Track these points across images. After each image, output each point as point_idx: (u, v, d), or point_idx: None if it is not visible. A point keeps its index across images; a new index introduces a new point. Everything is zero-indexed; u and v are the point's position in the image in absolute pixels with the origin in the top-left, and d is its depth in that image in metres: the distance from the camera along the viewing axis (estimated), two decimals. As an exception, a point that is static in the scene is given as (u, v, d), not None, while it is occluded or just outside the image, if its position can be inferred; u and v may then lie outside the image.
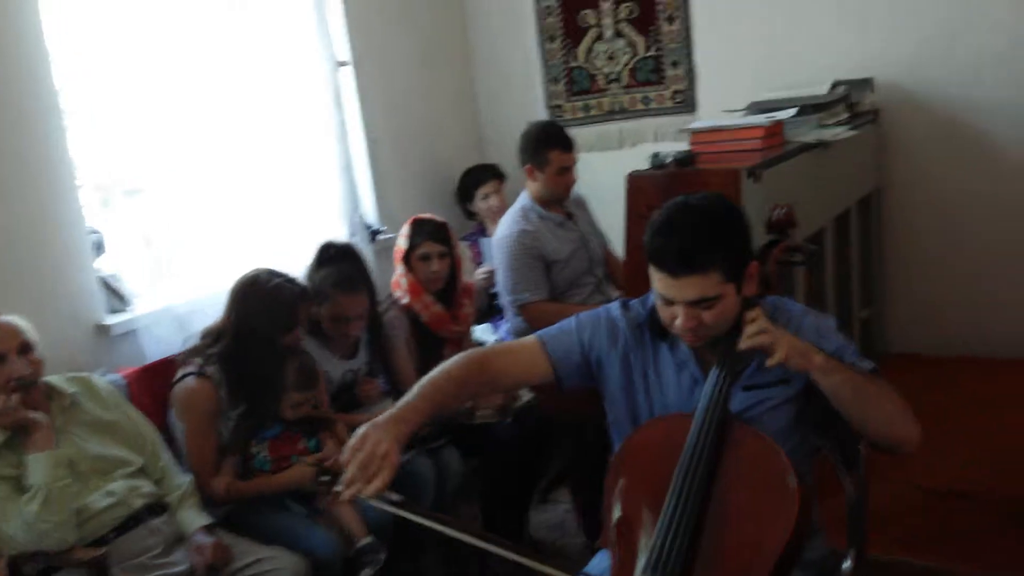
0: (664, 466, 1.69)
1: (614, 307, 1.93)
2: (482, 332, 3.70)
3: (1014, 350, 3.34)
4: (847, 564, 1.97)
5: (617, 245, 3.58)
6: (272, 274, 2.63)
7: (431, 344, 3.13)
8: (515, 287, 3.24)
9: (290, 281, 2.63)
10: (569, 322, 1.93)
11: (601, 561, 1.87)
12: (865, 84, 3.34)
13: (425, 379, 1.76)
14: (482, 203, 4.00)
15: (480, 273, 3.73)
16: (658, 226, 1.67)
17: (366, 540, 2.43)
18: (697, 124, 2.77)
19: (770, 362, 1.64)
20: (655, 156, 2.50)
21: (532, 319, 3.25)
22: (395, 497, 1.58)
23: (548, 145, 3.24)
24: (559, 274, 3.27)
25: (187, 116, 3.10)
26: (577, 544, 3.25)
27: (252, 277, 2.62)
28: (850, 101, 3.17)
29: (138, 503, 2.27)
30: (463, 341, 3.23)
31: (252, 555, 2.29)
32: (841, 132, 2.90)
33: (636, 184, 2.38)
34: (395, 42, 4.00)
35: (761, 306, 1.80)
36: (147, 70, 2.96)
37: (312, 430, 2.57)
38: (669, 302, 1.69)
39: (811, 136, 2.78)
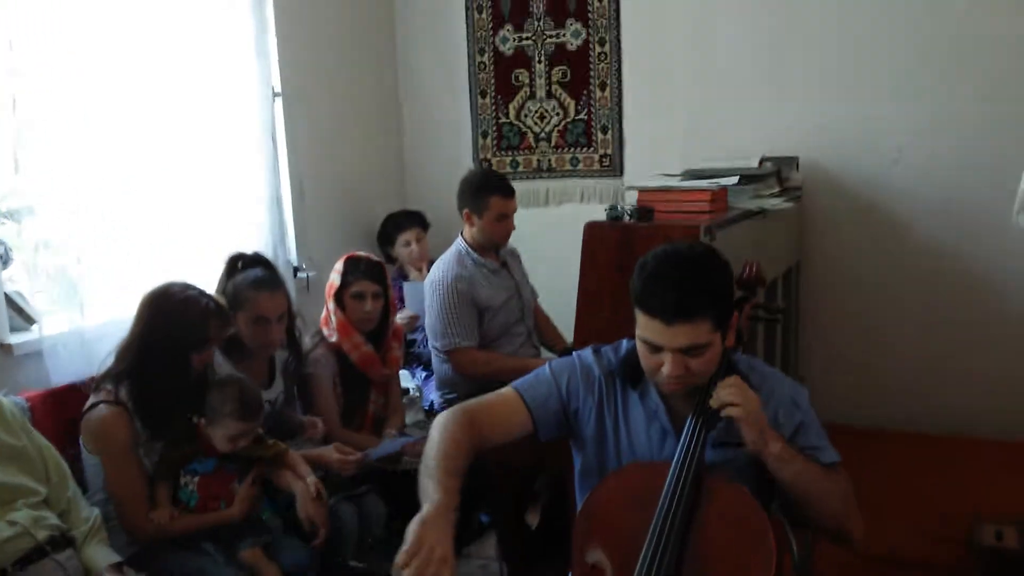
0: (640, 514, 1.67)
1: (586, 354, 1.91)
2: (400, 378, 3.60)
3: (922, 426, 3.50)
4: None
5: (548, 299, 3.60)
6: (185, 286, 2.43)
7: (358, 385, 3.02)
8: (445, 331, 3.19)
9: (204, 295, 2.44)
10: (543, 371, 1.90)
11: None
12: (791, 161, 3.49)
13: (436, 453, 1.69)
14: (403, 249, 3.95)
15: (401, 318, 3.64)
16: (650, 272, 1.67)
17: None
18: (644, 183, 2.81)
19: (737, 414, 1.65)
20: (612, 208, 2.52)
21: (459, 365, 3.21)
22: None
23: (489, 191, 3.23)
24: (491, 321, 3.24)
25: (114, 134, 2.93)
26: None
27: (162, 288, 2.41)
28: (781, 176, 3.30)
29: (42, 535, 2.04)
30: (390, 384, 3.14)
31: (163, 598, 2.12)
32: (779, 203, 3.00)
33: (594, 233, 2.39)
34: (326, 78, 3.95)
35: (737, 363, 1.82)
36: (83, 86, 2.79)
37: (246, 468, 2.39)
38: (656, 349, 1.68)
39: (753, 204, 2.87)
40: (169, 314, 2.36)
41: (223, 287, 2.73)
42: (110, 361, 2.44)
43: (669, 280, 1.64)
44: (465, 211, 3.28)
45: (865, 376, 3.66)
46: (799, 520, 1.98)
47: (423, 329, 3.76)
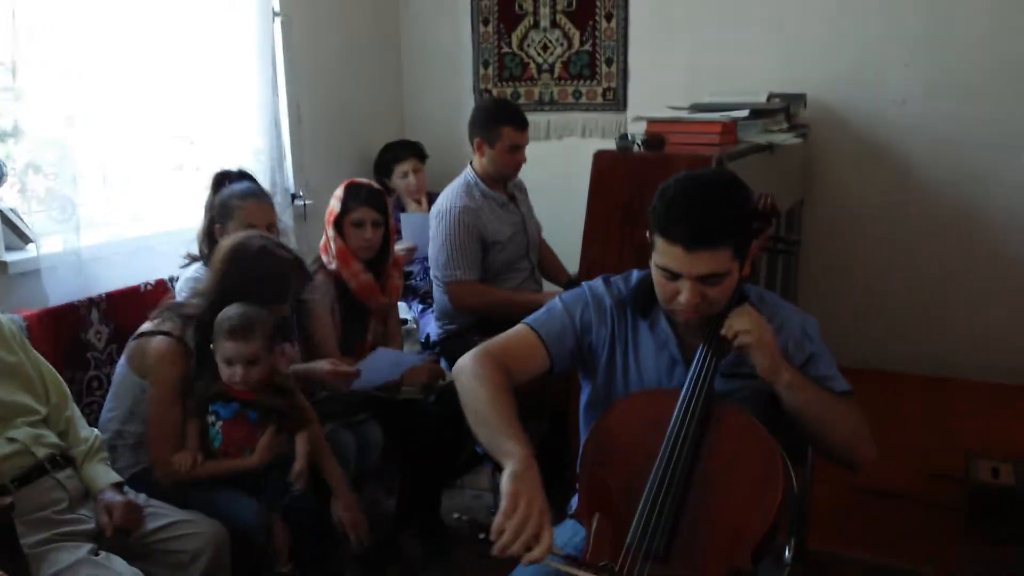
0: (648, 439, 1.66)
1: (596, 284, 1.89)
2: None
3: (917, 367, 3.52)
4: (788, 554, 2.00)
5: (546, 233, 3.58)
6: (262, 238, 2.41)
7: (356, 314, 2.99)
8: (448, 263, 3.16)
9: (281, 247, 2.42)
10: (555, 305, 1.87)
11: (570, 531, 1.82)
12: (799, 98, 3.44)
13: (487, 405, 1.64)
14: (400, 180, 3.89)
15: (400, 248, 3.60)
16: (673, 198, 1.63)
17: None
18: (653, 115, 2.76)
19: (747, 342, 1.64)
20: (623, 137, 2.47)
21: (456, 297, 3.19)
22: (559, 553, 1.49)
23: (502, 121, 3.17)
24: (496, 256, 3.21)
25: (111, 53, 2.86)
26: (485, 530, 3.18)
27: (241, 241, 2.37)
28: (789, 112, 3.25)
29: (42, 453, 2.04)
30: (389, 314, 3.11)
31: (165, 518, 2.11)
32: (788, 138, 2.96)
33: (603, 163, 2.35)
34: (327, 2, 3.84)
35: (748, 294, 1.81)
36: (81, 3, 2.71)
37: (267, 419, 2.29)
38: (674, 276, 1.65)
39: (762, 138, 2.82)
40: (247, 268, 2.32)
41: (211, 203, 2.71)
42: (183, 296, 2.46)
43: (693, 206, 1.60)
44: (477, 140, 3.21)
45: (863, 316, 3.67)
46: (800, 455, 2.00)
47: (419, 261, 3.73)
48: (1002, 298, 3.49)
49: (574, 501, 1.86)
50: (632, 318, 1.83)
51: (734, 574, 1.53)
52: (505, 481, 1.48)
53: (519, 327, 1.84)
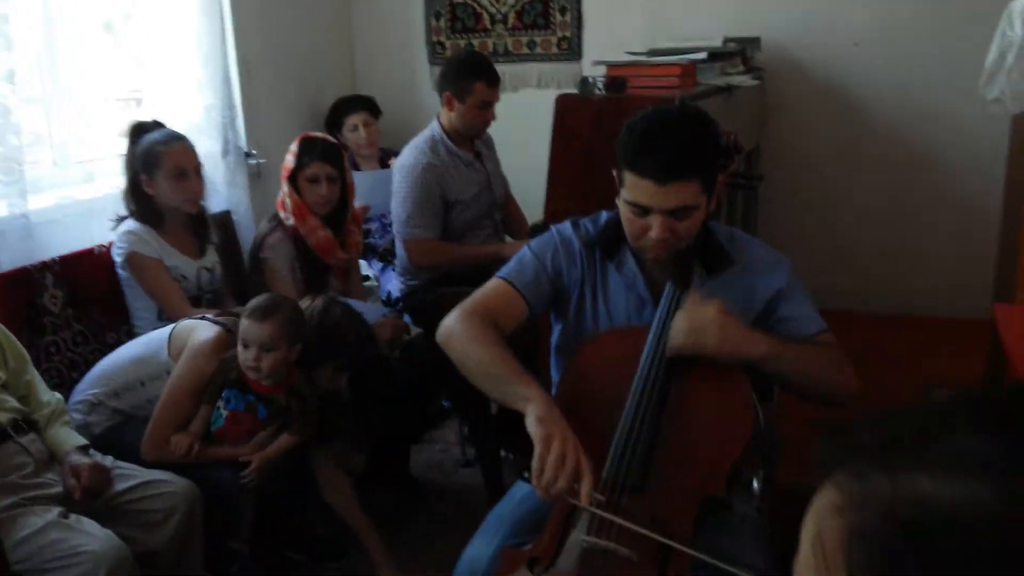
0: (620, 376, 1.67)
1: (564, 227, 1.88)
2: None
3: (877, 306, 3.59)
4: (756, 485, 2.04)
5: (512, 186, 3.55)
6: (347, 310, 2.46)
7: (316, 271, 2.95)
8: (408, 220, 3.11)
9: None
10: (525, 254, 1.86)
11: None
12: (754, 42, 3.45)
13: (493, 360, 1.64)
14: (351, 133, 3.81)
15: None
16: (642, 132, 1.62)
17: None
18: (612, 59, 2.74)
19: (701, 351, 1.60)
20: (584, 81, 2.45)
21: (413, 254, 3.15)
22: (600, 497, 1.49)
23: (474, 75, 3.09)
24: (460, 215, 3.16)
25: (53, 13, 2.75)
26: (456, 483, 3.20)
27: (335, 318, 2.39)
28: (745, 55, 3.26)
29: (4, 418, 2.00)
30: (351, 270, 3.08)
31: (135, 479, 2.08)
32: (746, 80, 2.97)
33: (566, 107, 2.33)
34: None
35: (716, 232, 1.81)
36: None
37: (277, 417, 2.29)
38: (644, 212, 1.64)
39: (720, 80, 2.83)
40: (331, 337, 2.36)
41: (132, 156, 2.66)
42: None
43: (663, 139, 1.59)
44: (446, 94, 3.12)
45: (821, 257, 3.71)
46: (767, 390, 2.03)
47: (376, 219, 3.68)
48: (955, 235, 3.56)
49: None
50: (600, 259, 1.83)
51: (709, 500, 1.55)
52: (532, 425, 1.49)
53: (492, 281, 1.83)
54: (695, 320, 1.60)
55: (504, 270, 1.84)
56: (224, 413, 2.23)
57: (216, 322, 2.28)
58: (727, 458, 1.59)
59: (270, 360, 2.20)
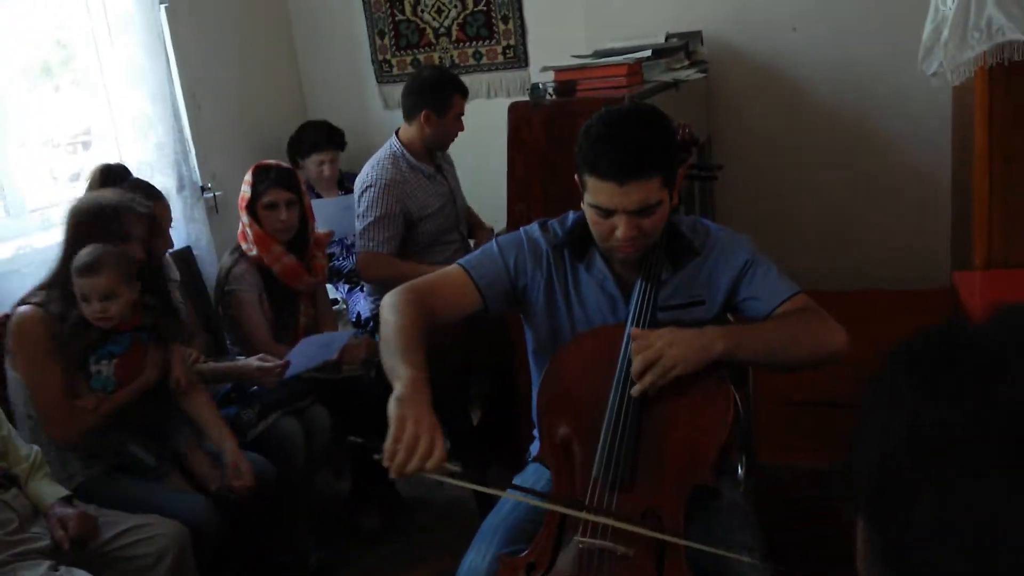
0: (600, 376, 1.70)
1: (532, 228, 1.90)
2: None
3: (833, 283, 3.64)
4: (741, 471, 2.07)
5: (469, 197, 3.56)
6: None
7: (285, 298, 2.94)
8: (364, 234, 3.12)
9: (115, 191, 2.49)
10: (491, 247, 1.88)
11: (533, 475, 1.84)
12: (696, 35, 3.50)
13: (393, 332, 1.64)
14: (314, 167, 3.78)
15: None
16: (599, 135, 1.64)
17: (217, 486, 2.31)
18: (559, 64, 2.77)
19: (661, 380, 1.60)
20: (534, 88, 2.48)
21: (364, 267, 3.17)
22: (455, 468, 1.50)
23: (452, 89, 3.14)
24: (425, 228, 3.17)
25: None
26: (443, 496, 3.20)
27: (77, 199, 2.45)
28: (688, 50, 3.30)
29: (-17, 476, 1.97)
30: (318, 295, 3.07)
31: (121, 525, 2.07)
32: (691, 74, 3.01)
33: (518, 114, 2.36)
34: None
35: (680, 224, 1.84)
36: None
37: (154, 336, 2.36)
38: (609, 213, 1.66)
39: (667, 76, 2.87)
40: (83, 218, 2.35)
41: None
42: None
43: (619, 140, 1.62)
44: (424, 112, 3.12)
45: (780, 241, 3.74)
46: (742, 375, 2.07)
47: (336, 244, 3.68)
48: (909, 207, 3.62)
49: (534, 447, 1.89)
50: (570, 260, 1.85)
51: (698, 490, 1.57)
52: (391, 406, 1.48)
53: (451, 267, 1.86)
54: (648, 359, 1.60)
55: (467, 258, 1.86)
56: (109, 371, 2.26)
57: (22, 303, 2.28)
58: (712, 447, 1.62)
59: (117, 306, 2.24)
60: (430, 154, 3.24)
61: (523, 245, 1.85)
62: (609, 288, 1.82)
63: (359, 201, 3.14)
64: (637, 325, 1.71)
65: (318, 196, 3.70)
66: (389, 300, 1.73)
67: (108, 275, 2.22)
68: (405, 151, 3.17)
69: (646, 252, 1.75)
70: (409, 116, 3.17)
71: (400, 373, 1.54)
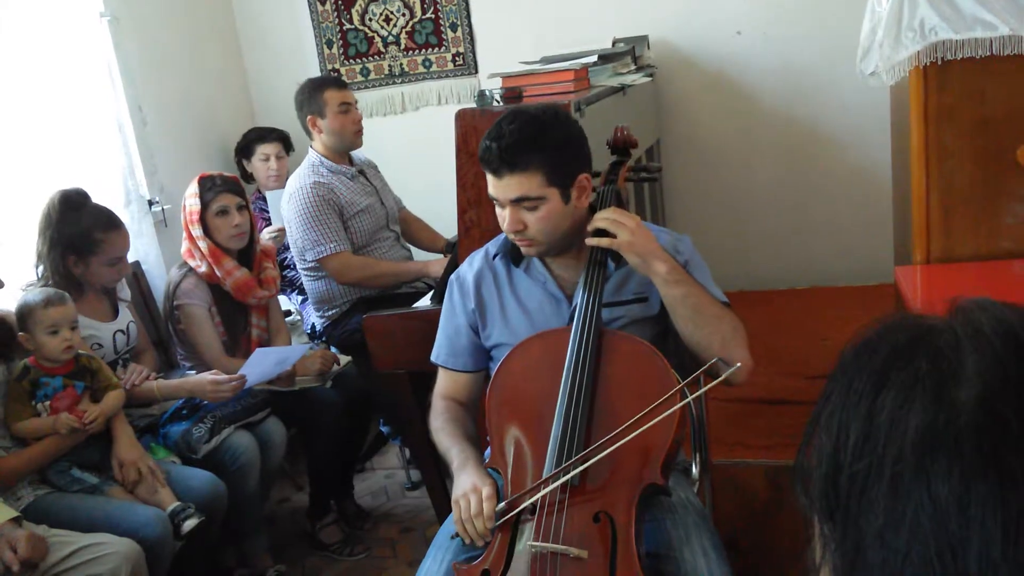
0: (547, 380, 1.71)
1: (462, 267, 2.00)
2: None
3: (784, 282, 3.70)
4: (695, 470, 2.10)
5: (422, 204, 3.56)
6: None
7: (236, 312, 2.92)
8: (316, 241, 3.10)
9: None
10: (441, 325, 1.98)
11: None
12: (642, 40, 3.53)
13: (441, 439, 1.87)
14: (260, 163, 3.76)
15: (270, 231, 3.50)
16: (488, 132, 1.73)
17: (174, 504, 2.29)
18: (507, 71, 2.79)
19: (611, 244, 1.70)
20: (481, 95, 2.49)
21: (336, 271, 3.15)
22: (502, 505, 1.62)
23: (321, 88, 3.19)
24: (359, 226, 3.19)
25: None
26: (404, 507, 3.19)
27: None
28: (635, 54, 3.34)
29: (-72, 503, 1.93)
30: (271, 307, 3.05)
31: (73, 544, 2.03)
32: (638, 78, 3.04)
33: (465, 121, 2.35)
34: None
35: None
36: None
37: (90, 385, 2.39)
38: (500, 204, 1.76)
39: (614, 80, 2.89)
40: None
41: (57, 231, 2.55)
42: None
43: (500, 134, 1.70)
44: (309, 118, 3.21)
45: (729, 241, 3.82)
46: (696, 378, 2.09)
47: (289, 253, 3.64)
48: (852, 205, 3.70)
49: (488, 453, 1.89)
50: (507, 268, 1.91)
51: (648, 488, 1.58)
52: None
53: (440, 370, 1.99)
54: (619, 216, 1.70)
55: (436, 351, 1.99)
56: (46, 412, 2.29)
57: None
58: (662, 445, 1.62)
59: (78, 336, 2.36)
60: (347, 155, 3.30)
61: (454, 292, 1.96)
62: (551, 289, 1.87)
63: (290, 213, 3.15)
64: (583, 323, 1.72)
65: (264, 199, 3.65)
66: (431, 425, 1.93)
67: (70, 304, 2.36)
68: (322, 158, 3.23)
69: (590, 254, 1.79)
70: (307, 131, 3.26)
71: (452, 457, 1.80)
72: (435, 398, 1.97)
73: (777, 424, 2.42)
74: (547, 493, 1.57)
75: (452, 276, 1.99)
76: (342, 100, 3.20)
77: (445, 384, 1.97)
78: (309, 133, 3.26)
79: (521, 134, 1.70)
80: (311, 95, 3.20)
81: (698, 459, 2.12)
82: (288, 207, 3.16)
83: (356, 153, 3.39)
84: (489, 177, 1.75)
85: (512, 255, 1.90)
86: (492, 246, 1.97)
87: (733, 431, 2.42)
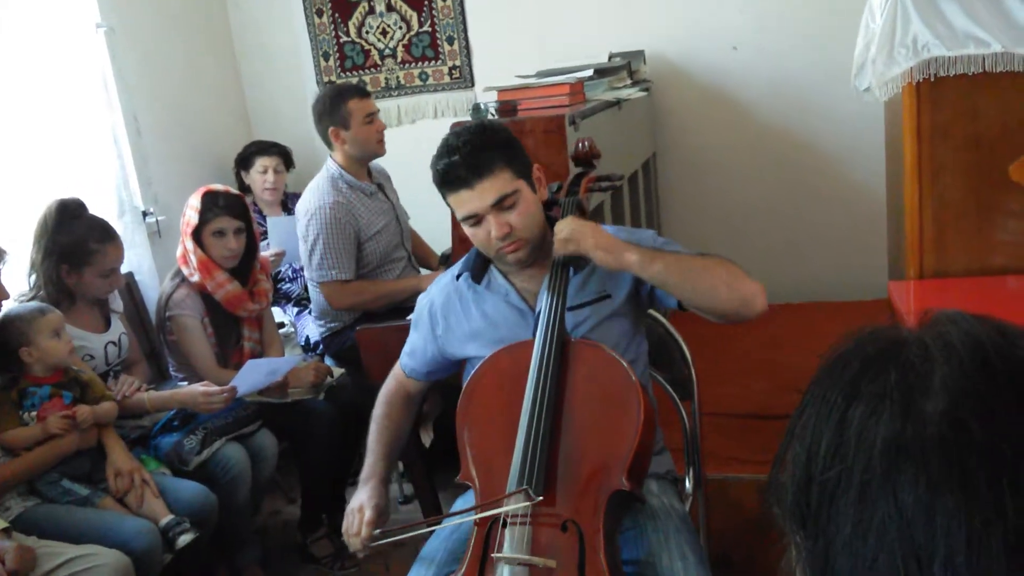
0: (512, 392, 1.70)
1: (430, 287, 2.02)
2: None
3: (782, 297, 3.70)
4: (689, 485, 2.09)
5: (417, 218, 3.56)
6: None
7: (229, 323, 2.91)
8: (322, 263, 3.05)
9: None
10: (410, 335, 2.03)
11: (468, 495, 1.85)
12: (638, 55, 3.55)
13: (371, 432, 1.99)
14: (258, 175, 3.75)
15: (268, 254, 3.49)
16: (439, 153, 1.75)
17: (168, 518, 2.27)
18: (502, 84, 2.80)
19: (579, 249, 1.69)
20: (476, 108, 2.50)
21: (332, 298, 3.10)
22: (377, 532, 1.77)
23: (345, 97, 3.09)
24: (374, 248, 3.13)
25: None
26: (396, 520, 3.17)
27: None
28: (631, 69, 3.35)
29: (-85, 515, 1.92)
30: (264, 318, 3.03)
31: (62, 555, 2.02)
32: (633, 92, 3.05)
33: (460, 134, 2.36)
34: (147, 6, 3.69)
35: None
36: None
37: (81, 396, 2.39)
38: (478, 221, 1.74)
39: (609, 95, 2.90)
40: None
41: (52, 240, 2.54)
42: None
43: (455, 149, 1.72)
44: (331, 130, 3.09)
45: (723, 255, 3.81)
46: (686, 390, 2.09)
47: (288, 265, 3.64)
48: (847, 220, 3.71)
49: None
50: (469, 287, 1.92)
51: (615, 495, 1.56)
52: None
53: (396, 365, 2.05)
54: (575, 228, 1.70)
55: (403, 353, 2.05)
56: (32, 421, 2.29)
57: None
58: (624, 452, 1.58)
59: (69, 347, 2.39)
60: (367, 171, 3.22)
61: (422, 309, 1.99)
62: (514, 301, 1.87)
63: (306, 229, 3.07)
64: (546, 333, 1.71)
65: (260, 213, 3.65)
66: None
67: (58, 312, 2.40)
68: (343, 171, 3.12)
69: (546, 262, 1.80)
70: (327, 142, 3.15)
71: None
72: (390, 377, 2.06)
73: (771, 439, 2.39)
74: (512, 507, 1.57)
75: (421, 296, 2.03)
76: (368, 111, 3.10)
77: (400, 373, 2.06)
78: (330, 144, 3.15)
79: (474, 141, 1.73)
80: (333, 105, 3.09)
81: (691, 473, 2.12)
82: (304, 221, 3.09)
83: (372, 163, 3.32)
84: (458, 196, 1.74)
85: (473, 273, 1.91)
86: (457, 267, 1.97)
87: (727, 445, 2.42)
